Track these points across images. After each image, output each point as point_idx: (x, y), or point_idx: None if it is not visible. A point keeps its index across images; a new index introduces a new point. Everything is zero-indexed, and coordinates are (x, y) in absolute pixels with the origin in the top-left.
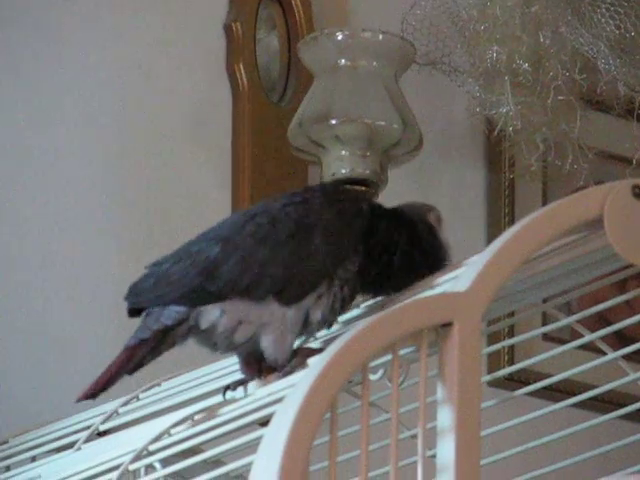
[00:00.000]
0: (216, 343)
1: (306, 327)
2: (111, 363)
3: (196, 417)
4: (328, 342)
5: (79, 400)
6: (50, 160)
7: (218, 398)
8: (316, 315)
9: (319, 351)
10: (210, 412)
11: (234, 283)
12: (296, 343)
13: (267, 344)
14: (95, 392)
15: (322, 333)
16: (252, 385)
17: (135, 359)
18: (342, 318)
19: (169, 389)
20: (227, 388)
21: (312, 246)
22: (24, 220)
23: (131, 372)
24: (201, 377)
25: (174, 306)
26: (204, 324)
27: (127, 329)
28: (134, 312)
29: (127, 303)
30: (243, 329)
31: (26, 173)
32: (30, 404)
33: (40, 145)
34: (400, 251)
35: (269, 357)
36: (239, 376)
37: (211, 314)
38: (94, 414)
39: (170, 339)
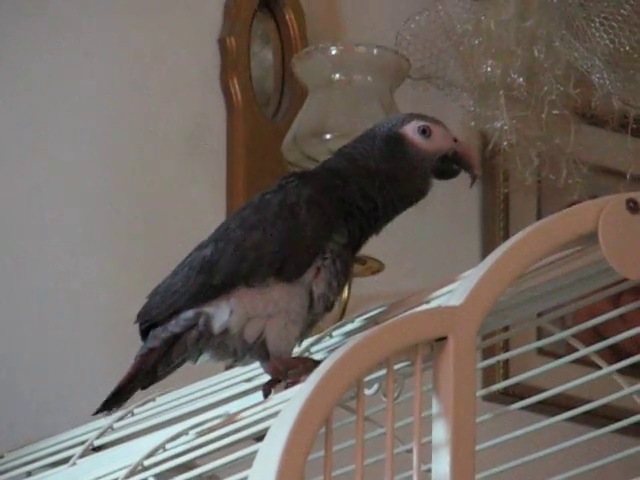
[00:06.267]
0: (234, 349)
1: (312, 308)
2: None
3: (191, 432)
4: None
5: (95, 414)
6: (45, 175)
7: (212, 413)
8: (319, 289)
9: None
10: (205, 427)
11: (235, 271)
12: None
13: (272, 337)
14: (108, 405)
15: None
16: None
17: (144, 368)
18: (338, 332)
19: (164, 404)
20: (266, 389)
21: (299, 221)
22: (20, 234)
23: (145, 385)
24: (195, 392)
25: (183, 313)
26: (216, 327)
27: (122, 345)
28: (147, 333)
29: (139, 325)
30: (252, 325)
31: (20, 187)
32: (26, 419)
33: (34, 159)
34: (381, 203)
35: (273, 350)
36: (232, 392)
37: (221, 316)
38: (89, 429)
39: (180, 347)
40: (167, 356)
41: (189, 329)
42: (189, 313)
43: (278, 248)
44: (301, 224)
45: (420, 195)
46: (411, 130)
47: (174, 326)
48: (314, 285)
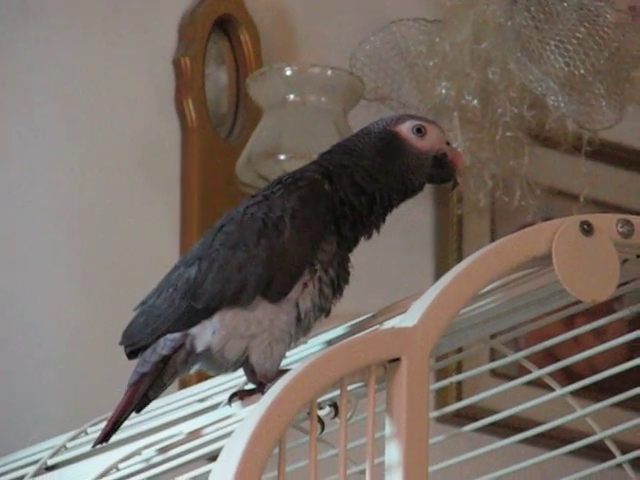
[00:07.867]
0: (220, 364)
1: (300, 322)
2: (119, 403)
3: (144, 452)
4: None
5: (94, 445)
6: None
7: (165, 433)
8: (306, 304)
9: None
10: (158, 446)
11: (220, 294)
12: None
13: (256, 357)
14: (106, 434)
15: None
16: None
17: (139, 394)
18: (292, 353)
19: None
20: (234, 396)
21: (284, 238)
22: None
23: (139, 409)
24: (150, 412)
25: (169, 335)
26: (199, 347)
27: (74, 366)
28: (133, 354)
29: (124, 347)
30: (233, 344)
31: None
32: None
33: None
34: (373, 201)
35: (258, 370)
36: (186, 411)
37: (204, 335)
38: (42, 448)
39: (171, 368)
40: (159, 379)
41: (177, 350)
42: (175, 334)
43: (263, 270)
44: (286, 242)
45: (414, 191)
46: (405, 128)
47: (162, 348)
48: (300, 301)
